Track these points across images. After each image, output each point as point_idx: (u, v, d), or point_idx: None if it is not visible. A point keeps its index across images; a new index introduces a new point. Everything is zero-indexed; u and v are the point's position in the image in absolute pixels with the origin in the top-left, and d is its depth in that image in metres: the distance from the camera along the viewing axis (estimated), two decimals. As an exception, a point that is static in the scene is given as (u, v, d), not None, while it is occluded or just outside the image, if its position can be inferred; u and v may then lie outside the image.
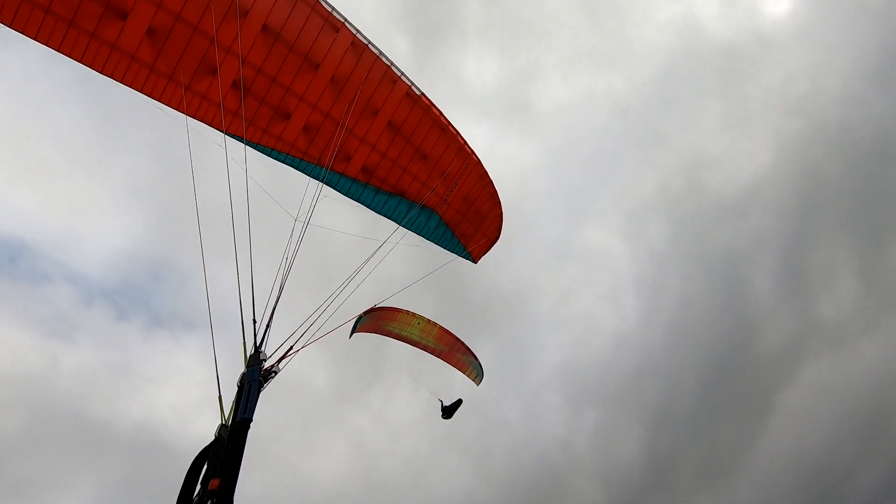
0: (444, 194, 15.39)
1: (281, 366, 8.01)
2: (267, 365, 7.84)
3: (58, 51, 10.85)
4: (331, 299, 10.04)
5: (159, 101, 12.04)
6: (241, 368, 7.86)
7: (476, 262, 17.87)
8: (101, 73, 11.38)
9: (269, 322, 8.47)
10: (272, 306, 8.67)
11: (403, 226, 15.58)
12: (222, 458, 6.31)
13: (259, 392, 7.33)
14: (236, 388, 7.46)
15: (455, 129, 14.60)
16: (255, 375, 7.44)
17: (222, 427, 6.87)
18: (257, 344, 8.13)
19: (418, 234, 16.22)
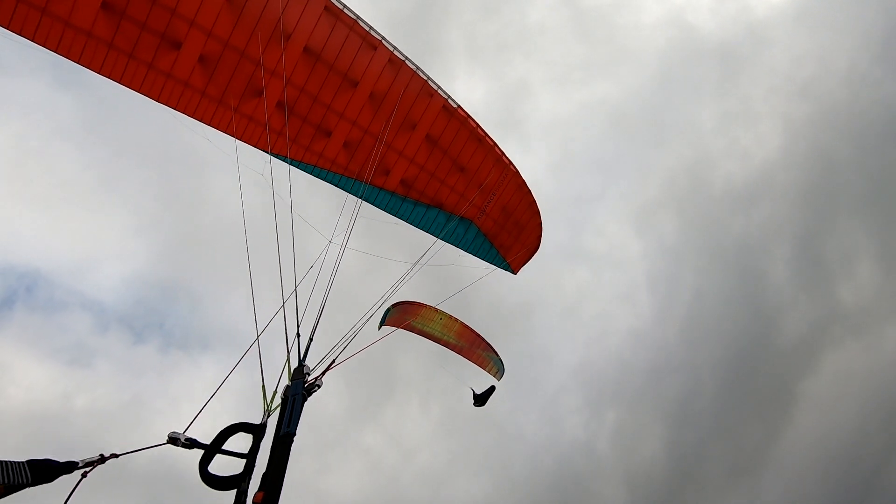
0: (482, 205, 15.43)
1: (324, 380, 8.05)
2: (310, 379, 7.88)
3: (119, 82, 11.66)
4: (369, 314, 10.17)
5: (209, 124, 12.69)
6: (285, 380, 7.98)
7: (515, 273, 17.70)
8: (157, 100, 12.13)
9: (311, 336, 8.60)
10: (315, 320, 8.79)
11: (442, 238, 15.66)
12: (266, 471, 6.37)
13: (302, 406, 7.37)
14: (280, 401, 7.56)
15: (492, 141, 14.70)
16: (299, 389, 7.48)
17: (265, 414, 7.17)
18: (301, 358, 8.23)
19: (457, 246, 16.26)
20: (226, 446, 6.58)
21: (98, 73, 11.51)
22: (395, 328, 14.73)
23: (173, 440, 6.24)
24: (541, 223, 16.73)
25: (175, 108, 12.26)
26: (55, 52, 11.03)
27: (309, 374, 7.95)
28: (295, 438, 6.87)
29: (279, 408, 7.40)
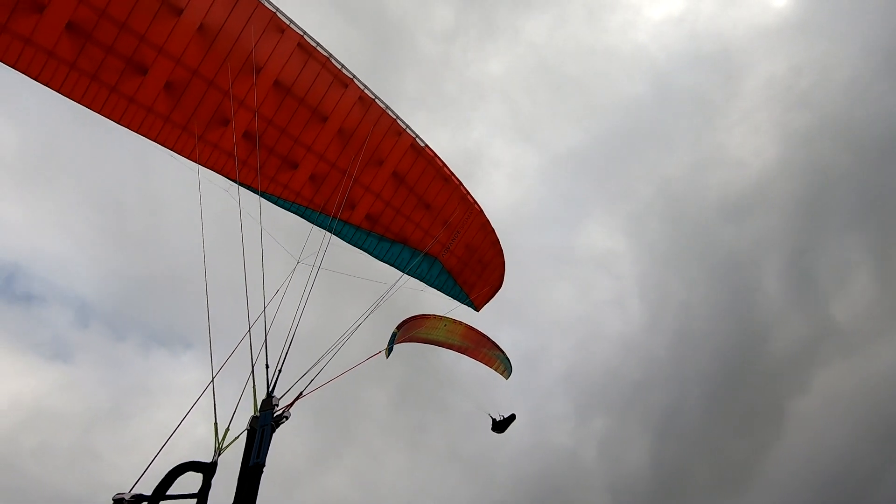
0: (446, 242, 15.57)
1: (291, 411, 8.12)
2: (279, 410, 7.96)
3: (79, 102, 11.37)
4: (339, 345, 10.07)
5: (171, 150, 12.47)
6: (247, 408, 7.93)
7: (478, 311, 17.79)
8: (118, 123, 11.87)
9: (280, 367, 8.55)
10: (285, 351, 8.74)
11: (407, 273, 15.67)
12: (235, 501, 6.53)
13: (271, 437, 7.47)
14: (246, 431, 7.57)
15: (458, 180, 14.96)
16: (268, 420, 7.60)
17: (216, 452, 7.11)
18: (270, 389, 8.25)
19: (421, 281, 16.28)
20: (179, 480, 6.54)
21: (58, 91, 11.23)
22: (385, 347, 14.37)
23: (118, 502, 6.19)
24: (503, 262, 16.97)
25: (136, 132, 12.01)
26: (13, 67, 10.73)
27: (277, 406, 7.98)
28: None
29: (239, 440, 7.37)
